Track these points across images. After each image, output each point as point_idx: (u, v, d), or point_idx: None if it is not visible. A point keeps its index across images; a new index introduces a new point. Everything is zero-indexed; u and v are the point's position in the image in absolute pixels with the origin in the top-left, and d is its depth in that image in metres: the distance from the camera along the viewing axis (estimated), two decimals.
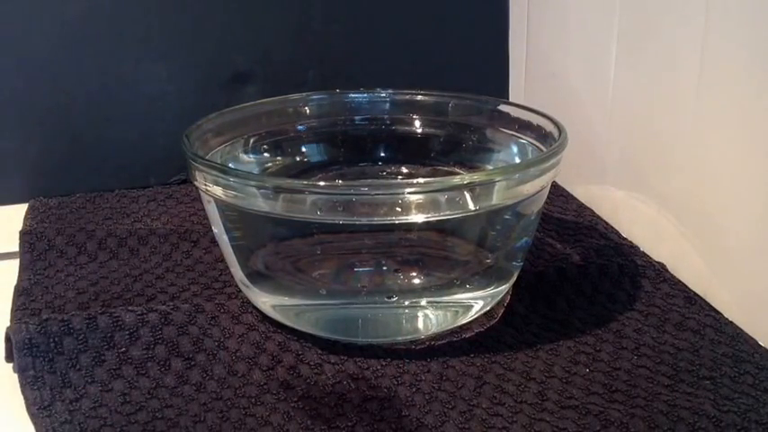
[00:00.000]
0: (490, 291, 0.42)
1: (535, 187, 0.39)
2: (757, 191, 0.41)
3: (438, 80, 0.68)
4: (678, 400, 0.35)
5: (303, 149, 0.52)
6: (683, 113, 0.46)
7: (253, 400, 0.36)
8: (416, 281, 0.42)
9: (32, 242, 0.50)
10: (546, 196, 0.42)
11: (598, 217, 0.56)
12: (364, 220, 0.37)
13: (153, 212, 0.57)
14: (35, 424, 0.35)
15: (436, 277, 0.42)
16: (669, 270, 0.48)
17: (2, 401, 0.37)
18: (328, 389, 0.37)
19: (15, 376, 0.38)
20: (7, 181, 0.59)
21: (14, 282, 0.47)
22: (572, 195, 0.60)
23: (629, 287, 0.46)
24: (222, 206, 0.40)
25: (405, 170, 0.52)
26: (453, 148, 0.52)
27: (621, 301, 0.45)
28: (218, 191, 0.38)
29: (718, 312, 0.43)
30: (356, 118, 0.53)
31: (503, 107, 0.49)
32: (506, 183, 0.37)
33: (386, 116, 0.53)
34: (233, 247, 0.42)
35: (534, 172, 0.38)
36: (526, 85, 0.68)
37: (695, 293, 0.45)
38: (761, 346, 0.40)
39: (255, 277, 0.42)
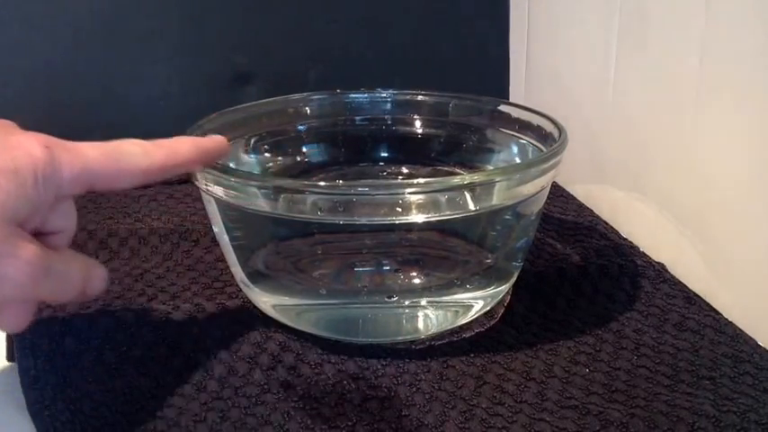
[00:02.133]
0: (490, 291, 0.42)
1: (535, 187, 0.39)
2: (757, 191, 0.41)
3: (438, 80, 0.68)
4: (678, 400, 0.36)
5: (304, 149, 0.52)
6: (683, 113, 0.46)
7: (253, 399, 0.36)
8: (417, 281, 0.42)
9: None
10: (546, 196, 0.42)
11: (598, 217, 0.56)
12: (365, 221, 0.37)
13: (154, 212, 0.57)
14: (36, 424, 0.35)
15: (436, 277, 0.42)
16: (669, 270, 0.48)
17: (3, 401, 0.37)
18: (328, 388, 0.37)
19: (17, 376, 0.38)
20: None
21: None
22: (572, 195, 0.60)
23: (628, 287, 0.46)
24: (223, 206, 0.40)
25: (405, 170, 0.52)
26: (454, 149, 0.52)
27: (621, 302, 0.45)
28: (218, 191, 0.38)
29: (717, 313, 0.43)
30: (357, 118, 0.53)
31: (503, 107, 0.49)
32: (507, 183, 0.37)
33: (386, 116, 0.53)
34: (234, 246, 0.42)
35: (534, 172, 0.38)
36: (526, 85, 0.68)
37: (695, 294, 0.45)
38: (760, 346, 0.40)
39: (256, 277, 0.42)
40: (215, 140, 0.37)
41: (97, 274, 0.33)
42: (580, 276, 0.46)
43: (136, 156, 0.32)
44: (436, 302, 0.41)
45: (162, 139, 0.34)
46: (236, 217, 0.40)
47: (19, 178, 0.28)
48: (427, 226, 0.39)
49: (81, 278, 0.32)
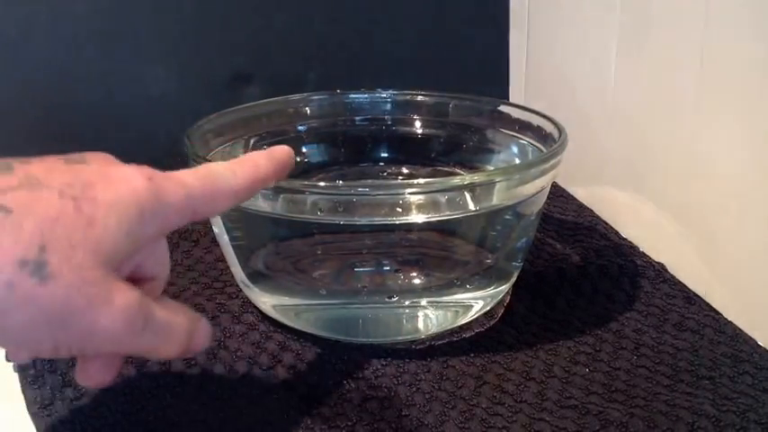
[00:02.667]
0: (490, 291, 0.42)
1: (535, 188, 0.39)
2: (756, 191, 0.41)
3: (438, 80, 0.68)
4: (677, 400, 0.36)
5: (304, 150, 0.52)
6: (682, 113, 0.46)
7: (253, 399, 0.36)
8: (417, 281, 0.42)
9: None
10: (546, 197, 0.43)
11: (598, 217, 0.56)
12: (365, 221, 0.37)
13: None
14: (36, 423, 0.35)
15: (436, 277, 0.42)
16: (669, 270, 0.48)
17: (3, 400, 0.37)
18: (328, 388, 0.37)
19: (16, 375, 0.38)
20: None
21: None
22: (572, 195, 0.60)
23: (628, 287, 0.46)
24: None
25: (405, 170, 0.52)
26: (454, 149, 0.52)
27: (621, 302, 0.45)
28: None
29: (717, 312, 0.43)
30: (357, 118, 0.53)
31: (503, 108, 0.49)
32: (507, 183, 0.38)
33: (386, 116, 0.53)
34: (233, 247, 0.42)
35: (534, 173, 0.38)
36: (526, 86, 0.68)
37: (695, 293, 0.45)
38: (760, 346, 0.40)
39: (256, 277, 0.42)
40: (284, 150, 0.34)
41: (202, 329, 0.30)
42: (580, 276, 0.46)
43: (226, 176, 0.30)
44: (436, 302, 0.41)
45: (237, 158, 0.32)
46: (236, 217, 0.40)
47: (120, 211, 0.26)
48: (427, 226, 0.39)
49: (185, 332, 0.28)
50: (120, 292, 0.25)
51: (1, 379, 0.38)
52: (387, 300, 0.41)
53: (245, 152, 0.49)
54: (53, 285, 0.24)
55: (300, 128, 0.52)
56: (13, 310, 0.23)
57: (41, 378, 0.37)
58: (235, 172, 0.31)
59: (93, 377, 0.29)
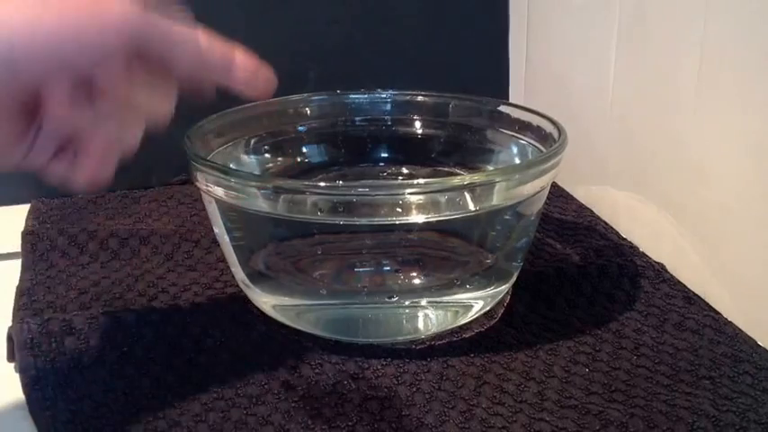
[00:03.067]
0: (490, 291, 0.42)
1: (535, 188, 0.39)
2: (756, 191, 0.41)
3: (438, 81, 0.68)
4: (677, 400, 0.36)
5: (304, 150, 0.52)
6: (683, 113, 0.47)
7: (254, 399, 0.36)
8: (417, 281, 0.42)
9: (34, 242, 0.50)
10: (546, 197, 0.43)
11: (598, 217, 0.56)
12: (365, 221, 0.37)
13: (154, 213, 0.57)
14: (37, 424, 0.35)
15: (436, 277, 0.42)
16: (668, 270, 0.48)
17: (4, 401, 0.37)
18: (329, 388, 0.37)
19: (17, 376, 0.38)
20: (9, 181, 0.59)
21: (16, 282, 0.47)
22: (572, 196, 0.60)
23: (628, 287, 0.46)
24: (223, 207, 0.40)
25: (405, 171, 0.52)
26: (454, 149, 0.52)
27: (621, 302, 0.45)
28: (219, 191, 0.38)
29: (717, 312, 0.43)
30: (356, 119, 0.53)
31: (503, 108, 0.49)
32: (506, 183, 0.38)
33: (386, 117, 0.53)
34: (234, 247, 0.42)
35: (534, 173, 0.39)
36: (526, 86, 0.68)
37: (694, 294, 0.45)
38: (760, 346, 0.40)
39: (256, 277, 0.42)
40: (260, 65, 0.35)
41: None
42: (580, 276, 0.46)
43: (187, 27, 0.32)
44: (436, 302, 0.42)
45: None
46: (237, 217, 0.40)
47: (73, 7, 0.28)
48: (427, 226, 0.39)
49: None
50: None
51: (2, 379, 0.38)
52: (387, 300, 0.41)
53: (246, 152, 0.49)
54: None
55: (301, 128, 0.52)
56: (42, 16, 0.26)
57: (42, 378, 0.37)
58: (201, 30, 0.32)
59: (89, 168, 0.29)
